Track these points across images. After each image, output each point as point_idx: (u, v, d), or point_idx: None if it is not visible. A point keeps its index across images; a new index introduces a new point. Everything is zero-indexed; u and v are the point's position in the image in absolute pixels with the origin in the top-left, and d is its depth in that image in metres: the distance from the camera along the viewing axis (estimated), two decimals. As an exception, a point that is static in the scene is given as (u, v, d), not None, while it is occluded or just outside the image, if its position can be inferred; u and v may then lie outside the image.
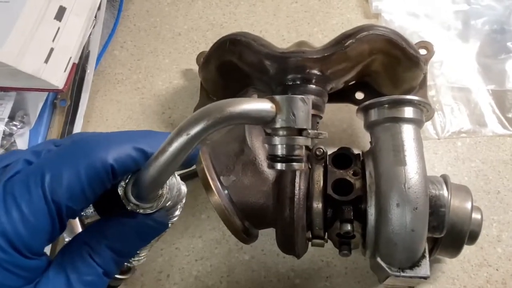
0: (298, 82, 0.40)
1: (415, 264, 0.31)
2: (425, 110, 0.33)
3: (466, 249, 0.43)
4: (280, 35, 0.59)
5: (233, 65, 0.44)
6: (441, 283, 0.42)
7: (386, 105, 0.33)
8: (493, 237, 0.44)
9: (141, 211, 0.21)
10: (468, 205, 0.36)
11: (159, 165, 0.20)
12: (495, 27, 0.55)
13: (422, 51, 0.46)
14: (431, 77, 0.53)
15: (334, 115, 0.52)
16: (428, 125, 0.51)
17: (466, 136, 0.50)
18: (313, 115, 0.40)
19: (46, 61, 0.45)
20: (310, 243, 0.37)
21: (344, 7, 0.60)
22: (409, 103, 0.32)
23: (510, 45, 0.54)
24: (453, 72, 0.53)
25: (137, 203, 0.21)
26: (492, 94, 0.52)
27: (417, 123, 0.33)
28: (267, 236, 0.44)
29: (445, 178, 0.36)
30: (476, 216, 0.37)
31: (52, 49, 0.45)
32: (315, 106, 0.40)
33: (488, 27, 0.56)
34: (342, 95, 0.47)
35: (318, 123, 0.41)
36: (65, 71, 0.47)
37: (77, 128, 0.51)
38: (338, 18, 0.60)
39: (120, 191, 0.21)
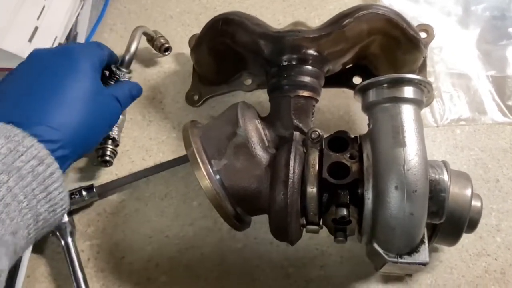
0: (294, 63, 0.38)
1: (413, 250, 0.29)
2: (425, 91, 0.32)
3: (465, 238, 0.42)
4: (275, 19, 0.57)
5: (226, 47, 0.43)
6: (439, 272, 0.41)
7: (385, 85, 0.31)
8: (492, 226, 0.43)
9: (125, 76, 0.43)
10: (468, 192, 0.34)
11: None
12: (495, 13, 0.54)
13: (422, 34, 0.44)
14: (431, 64, 0.51)
15: (330, 102, 0.50)
16: (427, 112, 0.49)
17: (465, 124, 0.49)
18: (309, 98, 0.39)
19: (30, 40, 0.43)
20: (304, 229, 0.35)
21: (341, -9, 0.58)
22: (409, 82, 0.31)
23: (511, 31, 0.52)
24: (453, 58, 0.52)
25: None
26: (492, 82, 0.51)
27: (418, 103, 0.31)
28: (260, 224, 0.42)
29: (445, 164, 0.35)
30: (476, 203, 0.36)
31: (36, 28, 0.43)
32: (311, 88, 0.39)
33: (489, 13, 0.54)
34: (340, 80, 0.46)
35: (314, 106, 0.39)
36: (50, 51, 0.45)
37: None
38: (335, 2, 0.58)
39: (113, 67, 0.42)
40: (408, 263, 0.29)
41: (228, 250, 0.43)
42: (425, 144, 0.47)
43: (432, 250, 0.42)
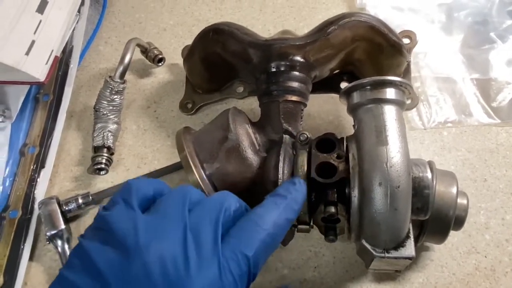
0: (282, 69, 0.39)
1: (399, 244, 0.30)
2: (406, 92, 0.33)
3: (454, 237, 0.43)
4: (266, 30, 0.59)
5: (218, 56, 0.44)
6: (430, 271, 0.42)
7: (368, 87, 0.33)
8: (481, 224, 0.44)
9: None
10: (454, 190, 0.35)
11: None
12: (477, 19, 0.56)
13: (406, 40, 0.46)
14: (416, 69, 0.53)
15: (320, 107, 0.52)
16: (414, 115, 0.51)
17: (452, 126, 0.50)
18: (297, 102, 0.40)
19: (27, 53, 0.44)
20: (295, 229, 0.36)
21: (329, 2, 0.60)
22: (391, 84, 0.32)
23: (492, 36, 0.54)
24: (438, 63, 0.54)
25: None
26: (476, 84, 0.52)
27: (399, 104, 0.33)
28: (253, 227, 0.43)
29: (429, 163, 0.36)
30: (462, 201, 0.37)
31: (33, 42, 0.45)
32: (299, 93, 0.40)
33: (471, 19, 0.56)
34: (328, 85, 0.47)
35: (302, 110, 0.41)
36: (46, 63, 0.46)
37: (60, 122, 0.50)
38: (324, 13, 0.60)
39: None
40: (395, 258, 0.30)
41: (222, 254, 0.44)
42: (413, 146, 0.49)
43: (423, 249, 0.43)
